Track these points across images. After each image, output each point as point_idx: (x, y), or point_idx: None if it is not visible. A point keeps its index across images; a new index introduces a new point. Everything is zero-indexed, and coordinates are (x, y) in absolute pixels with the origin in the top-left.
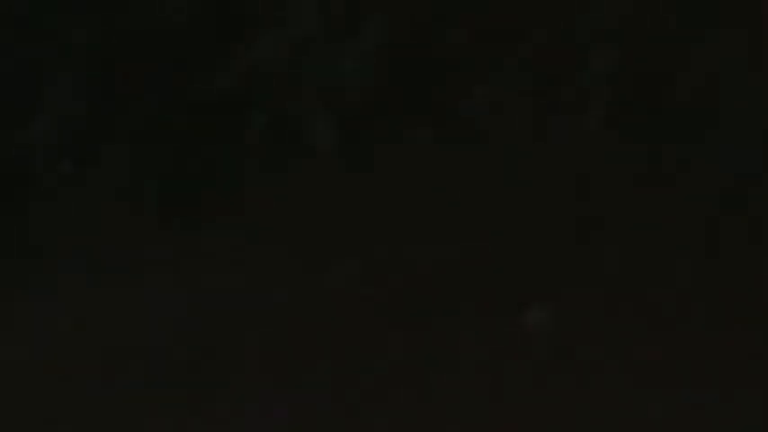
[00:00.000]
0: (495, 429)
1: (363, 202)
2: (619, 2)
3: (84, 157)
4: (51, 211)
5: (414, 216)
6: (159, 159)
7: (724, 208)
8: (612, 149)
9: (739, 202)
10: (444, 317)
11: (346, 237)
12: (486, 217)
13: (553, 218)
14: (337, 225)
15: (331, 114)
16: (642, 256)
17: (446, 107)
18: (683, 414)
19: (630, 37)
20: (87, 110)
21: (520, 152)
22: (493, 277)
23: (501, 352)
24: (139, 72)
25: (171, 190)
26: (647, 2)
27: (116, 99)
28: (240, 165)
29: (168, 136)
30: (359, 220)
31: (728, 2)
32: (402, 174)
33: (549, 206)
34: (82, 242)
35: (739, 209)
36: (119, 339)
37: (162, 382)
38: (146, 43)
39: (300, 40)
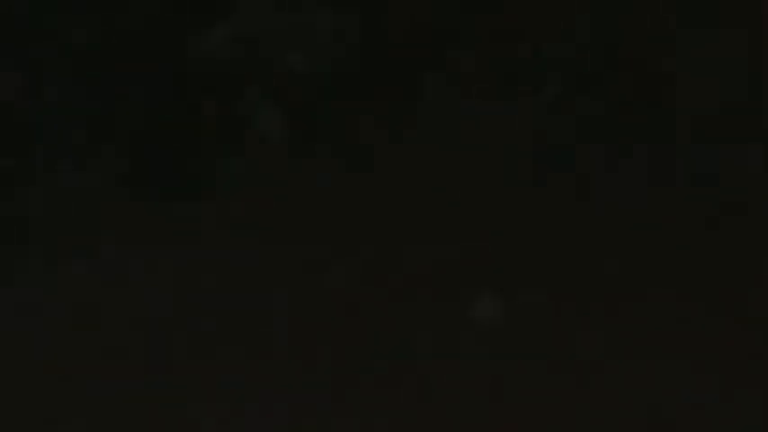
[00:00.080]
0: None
1: (348, 197)
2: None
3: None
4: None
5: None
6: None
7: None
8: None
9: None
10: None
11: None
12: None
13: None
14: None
15: (278, 103)
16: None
17: (397, 97)
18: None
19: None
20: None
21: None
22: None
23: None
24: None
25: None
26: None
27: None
28: (199, 152)
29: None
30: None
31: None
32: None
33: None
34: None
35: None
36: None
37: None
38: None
39: (252, 31)
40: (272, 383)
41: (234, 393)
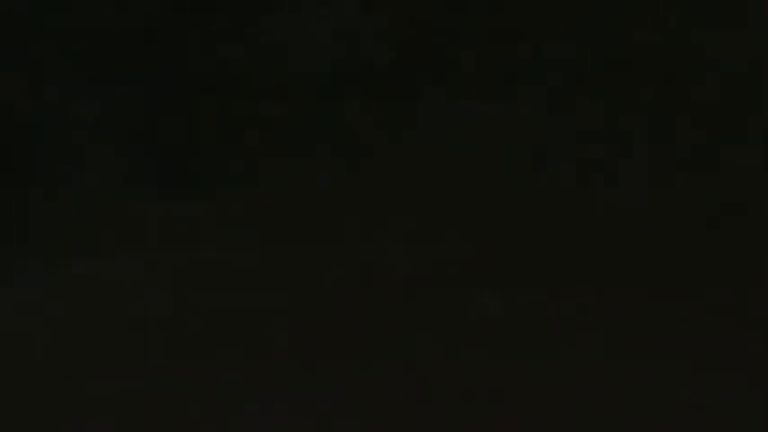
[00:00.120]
0: (495, 430)
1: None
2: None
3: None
4: (48, 201)
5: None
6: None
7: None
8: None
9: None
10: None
11: (343, 230)
12: (484, 213)
13: (553, 213)
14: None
15: (279, 103)
16: (645, 252)
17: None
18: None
19: (634, 33)
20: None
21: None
22: (489, 274)
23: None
24: (136, 59)
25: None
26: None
27: (113, 87)
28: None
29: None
30: (354, 214)
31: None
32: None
33: (549, 200)
34: (82, 230)
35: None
36: (114, 335)
37: (162, 382)
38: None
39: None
40: (272, 383)
41: (234, 393)
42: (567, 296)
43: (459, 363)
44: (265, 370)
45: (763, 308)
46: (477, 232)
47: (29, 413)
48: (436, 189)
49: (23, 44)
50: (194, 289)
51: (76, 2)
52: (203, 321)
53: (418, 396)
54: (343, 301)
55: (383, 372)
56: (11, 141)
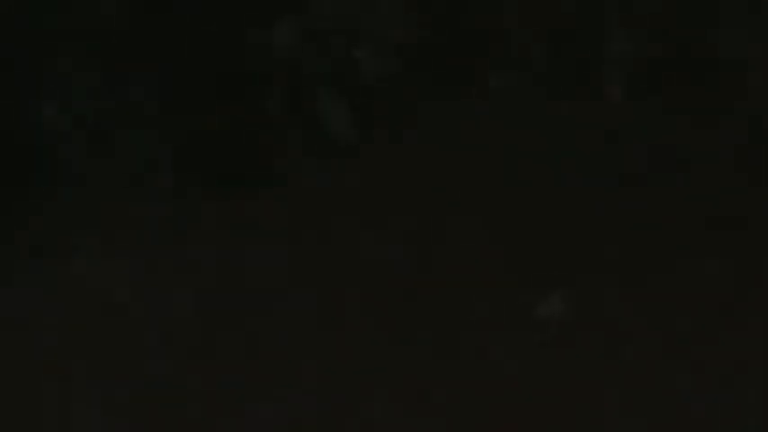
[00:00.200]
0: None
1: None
2: None
3: (95, 140)
4: (49, 200)
5: (431, 202)
6: (175, 141)
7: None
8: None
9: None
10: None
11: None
12: (495, 207)
13: (564, 207)
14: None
15: (345, 99)
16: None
17: (462, 90)
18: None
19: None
20: (103, 92)
21: (533, 135)
22: (505, 270)
23: (511, 346)
24: (157, 55)
25: (188, 169)
26: None
27: (133, 81)
28: (257, 147)
29: (186, 118)
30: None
31: None
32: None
33: (562, 194)
34: (94, 229)
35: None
36: (114, 335)
37: (161, 382)
38: (163, 26)
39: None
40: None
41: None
42: (581, 285)
43: (459, 361)
44: (266, 370)
45: (763, 307)
46: (500, 233)
47: (29, 412)
48: (495, 189)
49: (30, 32)
50: (194, 289)
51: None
52: (204, 321)
53: (418, 394)
54: (350, 302)
55: (383, 372)
56: (12, 143)
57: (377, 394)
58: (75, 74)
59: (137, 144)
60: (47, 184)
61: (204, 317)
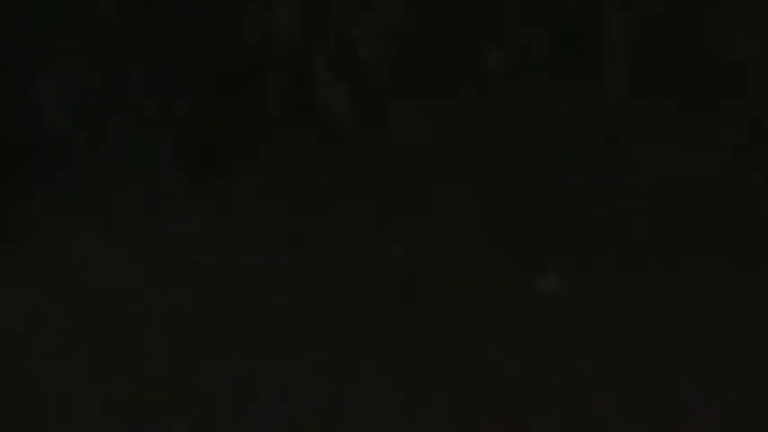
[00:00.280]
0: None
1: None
2: None
3: (96, 123)
4: (49, 200)
5: (426, 181)
6: (175, 120)
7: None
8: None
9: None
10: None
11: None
12: (496, 187)
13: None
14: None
15: (344, 81)
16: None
17: (462, 73)
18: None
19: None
20: (95, 67)
21: (534, 118)
22: (504, 270)
23: (510, 346)
24: (156, 38)
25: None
26: None
27: (131, 63)
28: (257, 128)
29: (185, 98)
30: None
31: None
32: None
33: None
34: (96, 207)
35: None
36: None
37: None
38: (162, 10)
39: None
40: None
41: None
42: (579, 263)
43: (461, 362)
44: (273, 366)
45: (763, 307)
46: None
47: (29, 412)
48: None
49: (32, 18)
50: (193, 289)
51: None
52: (203, 321)
53: (428, 385)
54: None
55: (383, 368)
56: (10, 142)
57: (377, 394)
58: (74, 70)
59: (136, 139)
60: (46, 183)
61: (204, 316)
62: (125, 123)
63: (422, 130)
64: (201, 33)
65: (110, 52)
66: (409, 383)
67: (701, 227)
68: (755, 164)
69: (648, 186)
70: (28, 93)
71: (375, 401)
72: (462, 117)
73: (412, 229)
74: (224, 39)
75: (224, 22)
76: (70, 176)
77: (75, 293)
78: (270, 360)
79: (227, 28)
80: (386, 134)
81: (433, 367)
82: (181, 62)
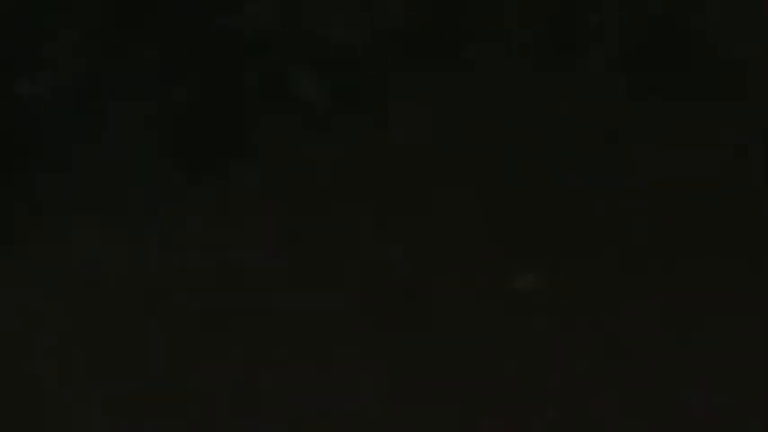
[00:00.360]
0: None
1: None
2: None
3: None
4: (58, 171)
5: (411, 175)
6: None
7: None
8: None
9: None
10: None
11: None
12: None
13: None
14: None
15: (317, 71)
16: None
17: (442, 60)
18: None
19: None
20: (88, 65)
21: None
22: (488, 244)
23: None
24: (137, 26)
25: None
26: None
27: (115, 53)
28: (241, 120)
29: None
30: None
31: None
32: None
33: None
34: (92, 197)
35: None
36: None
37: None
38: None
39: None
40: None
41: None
42: (563, 262)
43: (459, 360)
44: (272, 366)
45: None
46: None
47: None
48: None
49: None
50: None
51: None
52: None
53: (419, 383)
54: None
55: (383, 366)
56: (13, 130)
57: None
58: (73, 70)
59: (136, 139)
60: (46, 183)
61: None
62: (125, 123)
63: (422, 130)
64: (196, 26)
65: (109, 51)
66: (409, 383)
67: (701, 227)
68: (755, 164)
69: (648, 186)
70: (27, 92)
71: (375, 401)
72: (462, 117)
73: (412, 229)
74: (206, 28)
75: (208, 10)
76: (70, 176)
77: (76, 293)
78: (270, 360)
79: (210, 17)
80: (386, 134)
81: (434, 367)
82: (176, 56)
